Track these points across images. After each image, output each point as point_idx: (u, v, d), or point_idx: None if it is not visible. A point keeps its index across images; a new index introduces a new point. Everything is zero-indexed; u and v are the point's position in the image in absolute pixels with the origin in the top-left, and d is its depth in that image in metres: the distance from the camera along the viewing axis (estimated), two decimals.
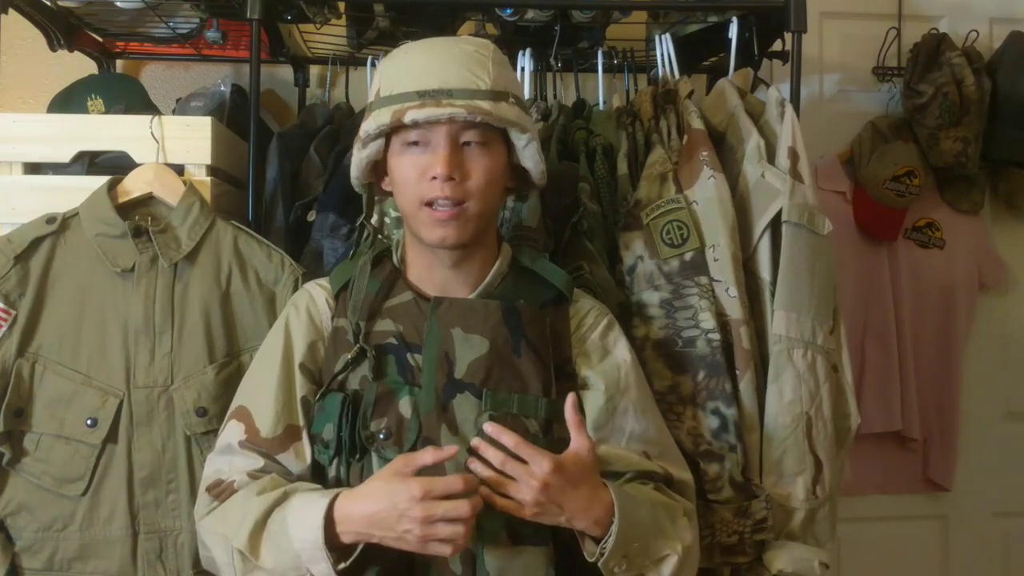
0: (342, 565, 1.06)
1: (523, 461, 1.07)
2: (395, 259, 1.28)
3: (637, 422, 1.23)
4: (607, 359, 1.25)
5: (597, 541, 1.10)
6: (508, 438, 1.08)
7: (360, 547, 1.07)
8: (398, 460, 1.10)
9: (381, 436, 1.16)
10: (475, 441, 1.10)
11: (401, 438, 1.16)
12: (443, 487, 1.04)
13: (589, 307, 1.30)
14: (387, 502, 1.05)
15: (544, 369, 1.20)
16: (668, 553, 1.13)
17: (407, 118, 1.14)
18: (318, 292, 1.29)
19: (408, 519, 1.03)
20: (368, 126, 1.19)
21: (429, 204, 1.17)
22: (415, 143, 1.18)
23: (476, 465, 1.09)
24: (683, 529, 1.17)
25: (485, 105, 1.16)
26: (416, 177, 1.17)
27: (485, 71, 1.19)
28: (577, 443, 1.10)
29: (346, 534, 1.07)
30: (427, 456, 1.07)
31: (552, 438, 1.18)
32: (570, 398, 1.13)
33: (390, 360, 1.20)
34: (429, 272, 1.24)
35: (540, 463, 1.06)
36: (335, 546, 1.07)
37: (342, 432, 1.17)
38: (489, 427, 1.10)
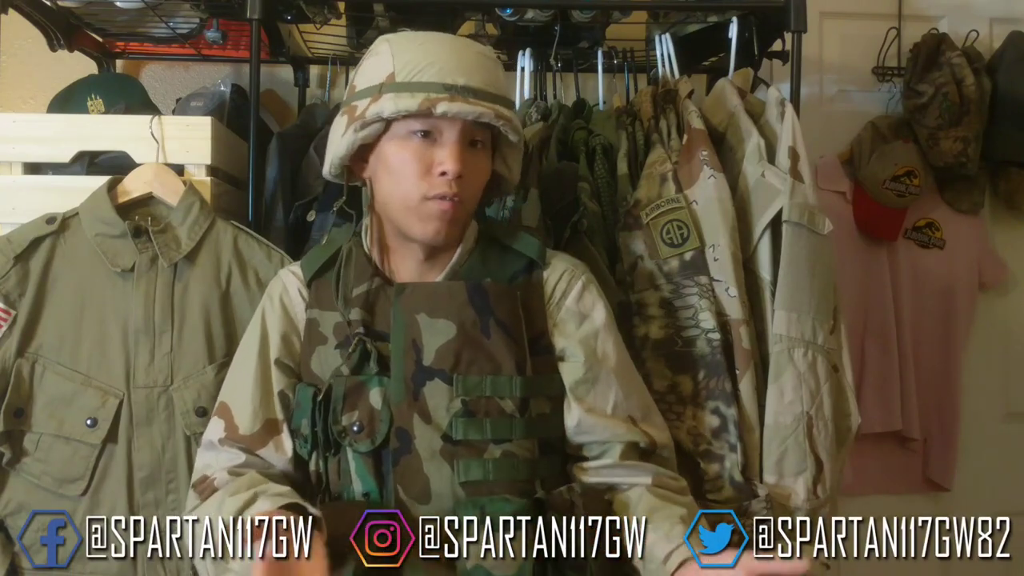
0: None
1: None
2: (365, 245, 1.25)
3: (620, 388, 1.22)
4: (584, 325, 1.23)
5: None
6: None
7: None
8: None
9: (354, 429, 1.14)
10: None
11: (374, 430, 1.14)
12: None
13: (563, 269, 1.25)
14: None
15: (517, 347, 1.18)
16: None
17: (438, 109, 1.11)
18: (291, 281, 1.27)
19: None
20: (383, 108, 1.13)
21: (431, 198, 1.14)
22: (424, 133, 1.14)
23: None
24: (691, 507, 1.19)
25: (506, 111, 1.17)
26: (420, 170, 1.14)
27: (500, 76, 1.20)
28: None
29: None
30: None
31: (529, 415, 1.17)
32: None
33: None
34: (402, 260, 1.23)
35: None
36: None
37: (316, 427, 1.16)
38: None
